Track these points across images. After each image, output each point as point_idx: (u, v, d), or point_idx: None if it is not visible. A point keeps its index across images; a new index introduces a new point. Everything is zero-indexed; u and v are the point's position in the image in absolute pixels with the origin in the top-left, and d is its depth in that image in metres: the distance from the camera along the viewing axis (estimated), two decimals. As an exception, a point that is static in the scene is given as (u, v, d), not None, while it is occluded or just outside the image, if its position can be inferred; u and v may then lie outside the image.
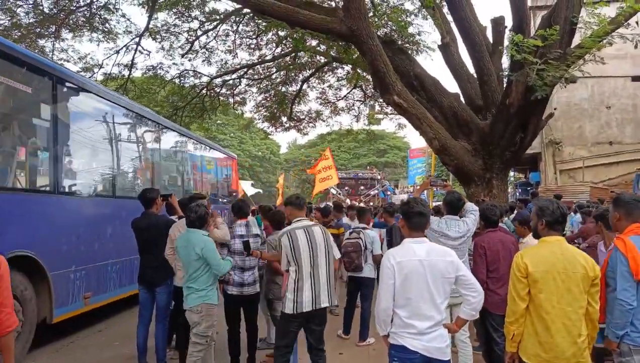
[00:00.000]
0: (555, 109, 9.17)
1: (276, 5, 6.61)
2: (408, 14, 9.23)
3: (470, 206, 4.62)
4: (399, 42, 9.32)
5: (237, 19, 13.16)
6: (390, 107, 16.33)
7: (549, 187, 15.62)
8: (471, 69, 9.32)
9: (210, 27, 13.17)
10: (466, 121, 8.11)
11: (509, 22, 9.52)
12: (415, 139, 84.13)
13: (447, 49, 9.16)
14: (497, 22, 8.82)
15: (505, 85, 7.85)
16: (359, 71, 13.26)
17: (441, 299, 2.74)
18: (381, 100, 15.78)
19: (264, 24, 13.61)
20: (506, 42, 8.59)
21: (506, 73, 7.83)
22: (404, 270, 2.72)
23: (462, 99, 8.66)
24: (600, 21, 7.16)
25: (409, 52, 9.48)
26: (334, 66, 13.98)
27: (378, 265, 5.89)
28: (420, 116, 7.41)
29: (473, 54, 8.42)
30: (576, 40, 7.53)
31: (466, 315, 2.85)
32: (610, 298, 2.82)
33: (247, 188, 26.22)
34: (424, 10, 10.24)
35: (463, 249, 4.36)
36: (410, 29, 10.03)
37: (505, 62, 9.21)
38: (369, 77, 13.91)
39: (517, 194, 18.09)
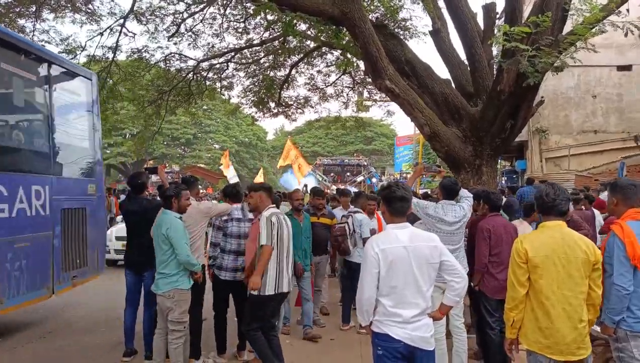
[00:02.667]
0: (542, 97, 9.16)
1: (267, -14, 6.46)
2: (399, -2, 9.09)
3: (464, 192, 4.61)
4: (391, 27, 9.21)
5: (225, 1, 12.89)
6: (379, 94, 16.35)
7: (535, 175, 15.76)
8: (462, 56, 9.29)
9: (197, 9, 12.87)
10: (457, 107, 8.08)
11: (500, 9, 9.54)
12: (402, 127, 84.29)
13: (438, 35, 9.09)
14: (489, 9, 8.78)
15: (496, 72, 7.83)
16: (349, 56, 13.13)
17: (427, 286, 2.67)
18: (370, 86, 15.75)
19: (252, 7, 13.45)
20: (496, 31, 8.58)
21: (497, 60, 7.80)
22: (389, 257, 2.64)
23: (453, 85, 8.62)
24: (592, 8, 7.15)
25: (401, 37, 9.37)
26: (323, 51, 13.80)
27: None
28: (412, 101, 7.36)
29: (465, 40, 8.38)
30: (567, 27, 7.54)
31: (450, 301, 2.79)
32: (607, 283, 2.82)
33: (230, 175, 26.14)
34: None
35: (459, 234, 4.35)
36: (402, 14, 9.90)
37: (496, 48, 9.20)
38: (358, 63, 13.84)
39: (503, 181, 18.23)
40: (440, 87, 8.13)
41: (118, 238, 11.10)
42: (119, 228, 11.27)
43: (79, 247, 6.25)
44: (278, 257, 4.13)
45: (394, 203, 2.74)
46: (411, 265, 2.62)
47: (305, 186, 14.73)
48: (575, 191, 10.33)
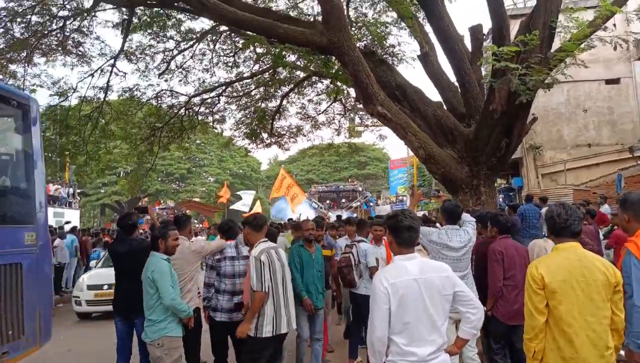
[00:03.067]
0: (533, 114, 9.18)
1: (255, 20, 6.49)
2: (386, 25, 9.19)
3: (466, 216, 4.49)
4: (379, 53, 9.28)
5: (214, 37, 13.01)
6: (371, 119, 16.40)
7: (532, 191, 15.71)
8: (452, 78, 9.35)
9: (187, 46, 12.99)
10: (450, 128, 8.07)
11: (486, 30, 9.65)
12: (395, 150, 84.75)
13: (427, 59, 9.16)
14: (476, 31, 8.87)
15: (487, 92, 7.85)
16: (339, 84, 13.22)
17: (441, 320, 2.49)
18: (362, 112, 15.83)
19: (241, 41, 13.58)
20: (484, 52, 8.65)
21: (488, 80, 7.83)
22: (399, 291, 2.44)
23: (444, 107, 8.63)
24: (579, 25, 7.24)
25: (390, 63, 9.43)
26: (314, 80, 13.90)
27: None
28: (405, 125, 7.34)
29: (454, 62, 8.44)
30: (555, 45, 7.61)
31: (466, 334, 2.61)
32: (628, 305, 2.66)
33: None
34: (400, 21, 10.27)
35: (466, 259, 4.21)
36: (390, 40, 10.00)
37: (485, 68, 9.27)
38: (348, 90, 13.93)
39: (500, 200, 18.16)
40: (432, 109, 8.14)
41: (91, 287, 9.46)
42: (92, 275, 10.00)
43: (10, 314, 4.70)
44: (274, 297, 3.86)
45: (402, 233, 2.58)
46: (423, 298, 2.45)
47: (300, 214, 14.40)
48: (577, 206, 10.26)
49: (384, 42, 9.54)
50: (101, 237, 13.80)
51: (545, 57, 7.17)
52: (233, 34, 12.58)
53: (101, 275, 9.60)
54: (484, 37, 9.29)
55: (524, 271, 4.11)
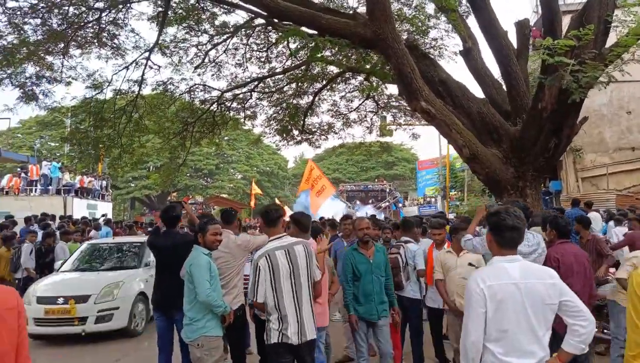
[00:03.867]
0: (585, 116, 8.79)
1: (297, 10, 6.29)
2: (428, 17, 8.83)
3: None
4: (422, 48, 8.97)
5: (248, 31, 12.91)
6: (403, 118, 16.09)
7: (571, 195, 15.12)
8: (494, 74, 8.98)
9: (220, 40, 12.93)
10: (496, 127, 7.72)
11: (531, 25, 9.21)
12: (423, 151, 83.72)
13: (470, 55, 8.81)
14: (522, 25, 8.50)
15: (535, 89, 7.47)
16: (373, 80, 12.95)
17: (542, 330, 2.27)
18: (395, 110, 15.53)
19: (275, 36, 13.47)
20: (530, 48, 8.27)
21: (536, 76, 7.45)
22: (497, 295, 2.27)
23: (489, 104, 8.27)
24: (638, 19, 6.80)
25: (433, 57, 9.11)
26: (347, 76, 13.66)
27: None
28: (450, 122, 7.03)
29: (500, 58, 8.07)
30: (610, 40, 7.19)
31: (573, 348, 2.33)
32: None
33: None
34: (439, 14, 9.93)
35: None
36: (432, 34, 9.67)
37: (530, 65, 8.88)
38: (383, 87, 13.66)
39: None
40: (477, 106, 7.80)
41: (41, 300, 7.00)
42: (47, 284, 7.52)
43: None
44: (277, 305, 3.43)
45: (504, 233, 2.38)
46: (524, 305, 2.24)
47: (322, 218, 13.40)
48: (623, 212, 9.76)
49: (426, 36, 9.22)
50: (135, 229, 13.84)
51: (600, 53, 6.77)
52: (268, 27, 12.45)
53: (59, 283, 7.51)
54: (530, 32, 8.85)
55: (582, 281, 3.80)
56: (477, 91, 8.74)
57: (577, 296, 2.37)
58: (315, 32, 7.46)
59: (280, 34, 11.47)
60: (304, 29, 7.58)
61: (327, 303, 4.63)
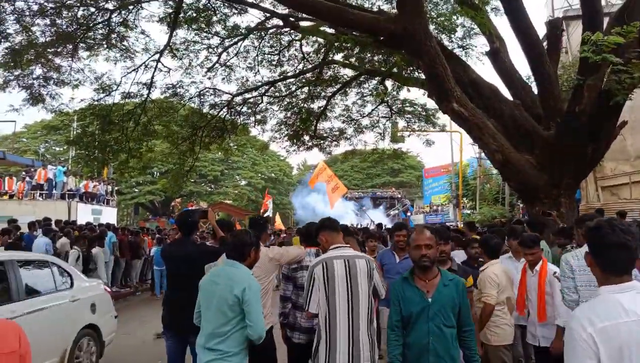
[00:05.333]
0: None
1: (324, 4, 5.89)
2: (457, 15, 8.38)
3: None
4: (449, 47, 8.56)
5: (260, 33, 12.57)
6: (417, 123, 15.65)
7: (591, 205, 14.63)
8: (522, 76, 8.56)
9: (231, 43, 12.58)
10: (529, 131, 7.29)
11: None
12: (429, 158, 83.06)
13: (497, 56, 8.40)
14: (554, 25, 8.08)
15: (572, 91, 7.05)
16: (388, 84, 12.59)
17: None
18: (409, 115, 15.10)
19: (286, 39, 13.14)
20: (565, 48, 7.84)
21: (574, 77, 7.03)
22: (614, 340, 1.65)
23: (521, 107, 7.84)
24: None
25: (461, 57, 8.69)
26: (361, 80, 13.29)
27: None
28: (482, 125, 6.61)
29: (532, 59, 7.65)
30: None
31: None
32: None
33: None
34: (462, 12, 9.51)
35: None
36: (459, 32, 9.25)
37: (560, 67, 8.44)
38: (394, 91, 13.28)
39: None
40: (509, 109, 7.37)
41: None
42: None
43: None
44: (328, 326, 2.92)
45: (607, 252, 1.78)
46: None
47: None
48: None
49: (453, 35, 8.81)
50: (141, 236, 13.43)
51: (646, 52, 6.35)
52: (280, 30, 12.10)
53: None
54: (561, 32, 8.42)
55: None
56: (504, 93, 8.33)
57: None
58: (336, 30, 7.08)
59: (294, 36, 11.14)
60: (323, 28, 7.22)
61: None
